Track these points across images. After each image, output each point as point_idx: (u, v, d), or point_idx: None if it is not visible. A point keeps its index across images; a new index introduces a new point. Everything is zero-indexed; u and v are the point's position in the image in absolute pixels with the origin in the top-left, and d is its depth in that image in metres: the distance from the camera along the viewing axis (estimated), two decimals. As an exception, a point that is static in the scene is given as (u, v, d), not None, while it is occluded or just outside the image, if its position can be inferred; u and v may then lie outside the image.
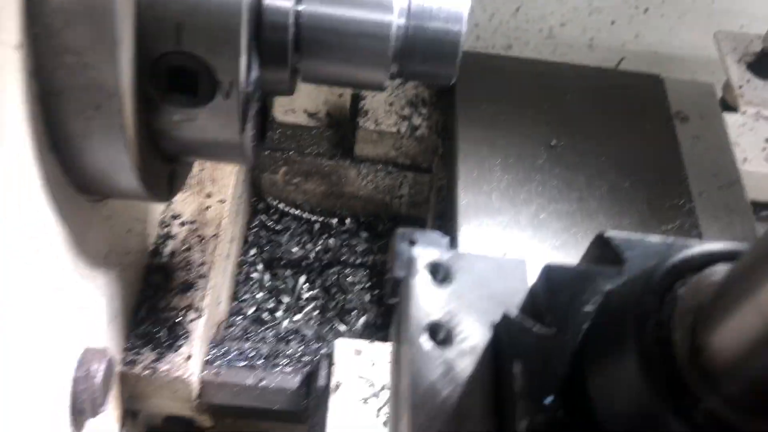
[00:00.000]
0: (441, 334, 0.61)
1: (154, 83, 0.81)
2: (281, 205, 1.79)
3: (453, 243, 1.23)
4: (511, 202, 1.46)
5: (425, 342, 0.60)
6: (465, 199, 1.45)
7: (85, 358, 0.99)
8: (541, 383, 0.53)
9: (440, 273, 0.65)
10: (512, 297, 0.63)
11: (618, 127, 1.62)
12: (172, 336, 1.22)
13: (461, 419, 0.57)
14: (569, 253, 1.39)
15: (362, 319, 1.64)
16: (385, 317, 1.65)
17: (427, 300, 0.63)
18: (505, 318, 0.58)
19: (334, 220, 1.79)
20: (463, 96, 1.62)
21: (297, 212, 1.79)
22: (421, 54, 0.93)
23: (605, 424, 0.50)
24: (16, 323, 0.78)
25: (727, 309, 0.42)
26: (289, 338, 1.53)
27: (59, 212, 0.85)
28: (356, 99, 1.70)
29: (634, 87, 1.73)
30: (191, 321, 1.25)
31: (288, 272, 1.70)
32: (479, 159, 1.52)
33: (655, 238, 0.57)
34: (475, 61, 1.69)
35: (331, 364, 1.22)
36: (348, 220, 1.80)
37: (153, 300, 1.26)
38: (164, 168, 0.97)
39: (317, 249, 1.73)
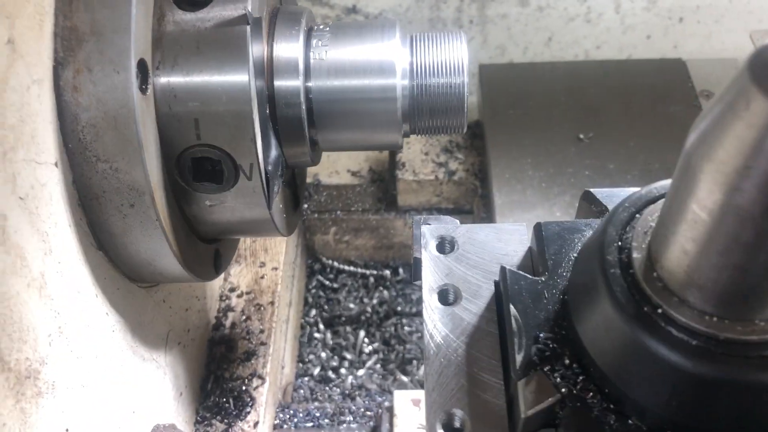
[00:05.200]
0: (450, 295, 0.70)
1: (182, 175, 0.88)
2: (336, 264, 1.85)
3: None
4: (545, 195, 1.51)
5: (436, 303, 0.69)
6: (500, 199, 1.51)
7: (155, 436, 1.05)
8: (534, 322, 0.61)
9: (447, 245, 0.74)
10: (513, 257, 0.72)
11: (644, 113, 1.65)
12: (239, 404, 1.28)
13: (470, 364, 0.65)
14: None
15: (423, 368, 1.65)
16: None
17: (435, 268, 0.72)
18: (501, 270, 0.66)
19: (388, 272, 1.83)
20: (488, 104, 1.68)
21: (351, 268, 1.84)
22: (429, 110, 0.97)
23: (589, 348, 0.57)
24: (84, 408, 0.85)
25: (665, 223, 0.52)
26: (354, 394, 1.56)
27: (111, 302, 0.92)
28: (393, 153, 1.75)
29: (657, 73, 1.76)
30: (256, 388, 1.30)
31: (348, 328, 1.74)
32: (510, 160, 1.57)
33: (633, 189, 0.63)
34: (496, 71, 1.74)
35: (392, 416, 1.24)
36: (401, 270, 1.83)
37: (218, 371, 1.32)
38: (207, 249, 1.03)
39: (374, 302, 1.77)
